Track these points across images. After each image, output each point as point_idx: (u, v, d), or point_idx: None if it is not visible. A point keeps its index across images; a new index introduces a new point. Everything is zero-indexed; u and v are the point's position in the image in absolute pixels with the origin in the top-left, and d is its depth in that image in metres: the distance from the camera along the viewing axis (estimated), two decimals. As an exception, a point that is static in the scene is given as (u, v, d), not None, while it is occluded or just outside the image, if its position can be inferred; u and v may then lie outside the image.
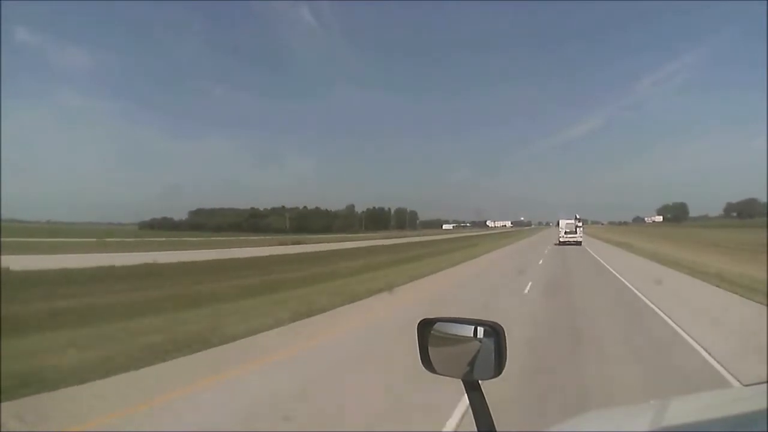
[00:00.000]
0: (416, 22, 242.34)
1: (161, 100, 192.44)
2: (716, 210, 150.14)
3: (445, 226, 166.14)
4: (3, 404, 4.71)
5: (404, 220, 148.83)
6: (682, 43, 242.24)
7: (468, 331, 1.18)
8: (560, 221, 46.71)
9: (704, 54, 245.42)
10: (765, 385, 1.19)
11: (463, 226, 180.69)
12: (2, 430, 4.08)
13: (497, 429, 1.07)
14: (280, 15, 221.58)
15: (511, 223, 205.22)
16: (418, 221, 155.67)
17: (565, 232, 42.74)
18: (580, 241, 41.23)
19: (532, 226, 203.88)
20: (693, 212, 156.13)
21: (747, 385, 1.40)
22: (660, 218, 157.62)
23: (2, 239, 29.33)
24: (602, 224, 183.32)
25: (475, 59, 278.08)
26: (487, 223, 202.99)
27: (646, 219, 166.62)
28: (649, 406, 1.20)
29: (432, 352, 1.22)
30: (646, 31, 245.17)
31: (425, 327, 1.24)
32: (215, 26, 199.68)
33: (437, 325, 1.23)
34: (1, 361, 5.56)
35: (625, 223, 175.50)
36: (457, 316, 1.24)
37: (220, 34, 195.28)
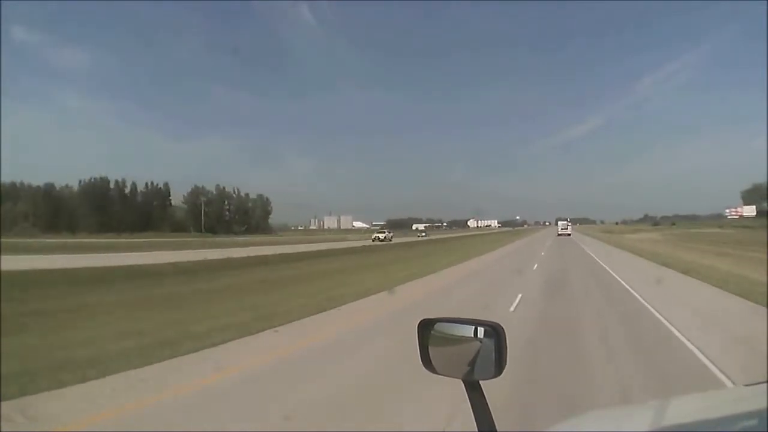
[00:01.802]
0: (416, 21, 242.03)
1: (159, 100, 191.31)
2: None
3: (415, 226, 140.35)
4: None
5: (224, 218, 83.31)
6: (683, 42, 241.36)
7: (468, 331, 1.18)
8: (558, 222, 76.80)
9: (705, 53, 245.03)
10: (765, 385, 1.19)
11: (437, 226, 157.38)
12: (2, 430, 4.08)
13: (497, 429, 1.08)
14: (279, 14, 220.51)
15: (500, 223, 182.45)
16: (270, 218, 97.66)
17: (561, 229, 66.47)
18: (569, 234, 63.80)
19: (526, 226, 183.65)
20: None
21: (747, 385, 1.40)
22: (751, 210, 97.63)
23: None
24: (616, 224, 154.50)
25: (475, 59, 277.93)
26: (469, 223, 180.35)
27: (727, 211, 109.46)
28: (649, 406, 1.20)
29: (432, 352, 1.22)
30: (648, 31, 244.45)
31: (425, 327, 1.23)
32: (214, 25, 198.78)
33: (437, 326, 1.22)
34: (1, 361, 5.56)
35: (628, 222, 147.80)
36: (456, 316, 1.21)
37: (218, 34, 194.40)
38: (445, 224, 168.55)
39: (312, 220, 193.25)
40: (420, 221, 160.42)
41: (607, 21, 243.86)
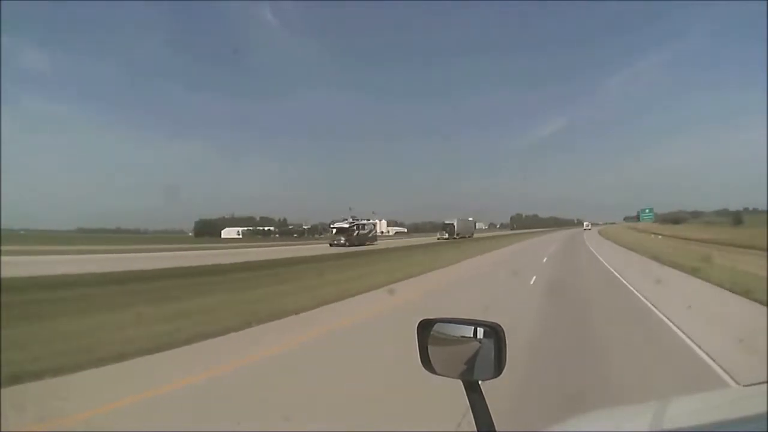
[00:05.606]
0: (386, 23, 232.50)
1: (121, 101, 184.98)
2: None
3: (225, 232, 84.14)
4: None
5: None
6: (672, 37, 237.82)
7: (468, 331, 1.19)
8: (584, 222, 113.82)
9: (696, 48, 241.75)
10: (765, 385, 1.19)
11: (267, 231, 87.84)
12: (2, 429, 4.08)
13: (497, 429, 1.08)
14: (240, 14, 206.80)
15: (393, 226, 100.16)
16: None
17: (585, 227, 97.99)
18: (590, 229, 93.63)
19: (457, 235, 72.97)
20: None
21: (747, 385, 1.40)
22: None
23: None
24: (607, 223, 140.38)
25: (465, 60, 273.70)
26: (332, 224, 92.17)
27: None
28: (649, 406, 1.20)
29: (432, 352, 1.22)
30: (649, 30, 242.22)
31: (425, 327, 1.24)
32: (176, 26, 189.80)
33: (437, 326, 1.23)
34: (1, 355, 5.58)
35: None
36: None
37: (179, 34, 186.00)
38: (273, 228, 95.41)
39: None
40: (238, 223, 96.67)
41: (604, 20, 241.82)
